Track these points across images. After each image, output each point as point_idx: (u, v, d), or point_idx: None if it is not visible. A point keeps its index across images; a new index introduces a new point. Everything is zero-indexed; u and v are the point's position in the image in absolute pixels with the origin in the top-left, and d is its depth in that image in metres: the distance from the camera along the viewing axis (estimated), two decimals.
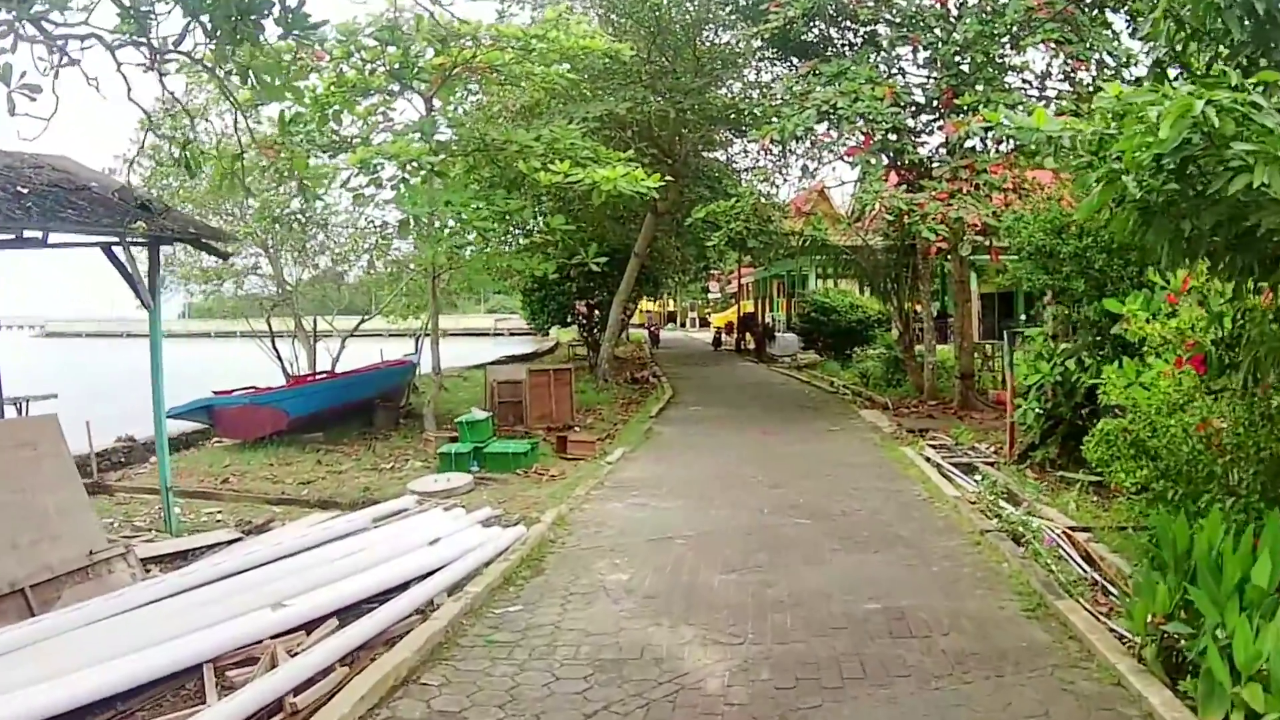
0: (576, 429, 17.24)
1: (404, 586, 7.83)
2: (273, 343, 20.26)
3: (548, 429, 16.84)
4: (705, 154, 28.86)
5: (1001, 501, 9.98)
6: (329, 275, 23.78)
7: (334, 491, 12.31)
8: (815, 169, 19.38)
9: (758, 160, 20.99)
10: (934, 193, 14.93)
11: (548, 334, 39.26)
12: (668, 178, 15.83)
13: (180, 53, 7.10)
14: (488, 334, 72.47)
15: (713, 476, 12.29)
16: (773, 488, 11.47)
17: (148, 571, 8.90)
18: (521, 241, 29.66)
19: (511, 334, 67.81)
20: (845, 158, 17.10)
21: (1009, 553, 8.16)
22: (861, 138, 15.92)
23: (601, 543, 8.92)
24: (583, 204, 25.92)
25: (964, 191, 15.19)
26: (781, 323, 40.62)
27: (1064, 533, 8.87)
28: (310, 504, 12.14)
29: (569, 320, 29.19)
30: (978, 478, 10.67)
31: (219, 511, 11.66)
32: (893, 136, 16.59)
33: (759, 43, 22.19)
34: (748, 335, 39.36)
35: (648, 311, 56.53)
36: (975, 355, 20.38)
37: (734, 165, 29.65)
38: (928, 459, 13.20)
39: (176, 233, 10.03)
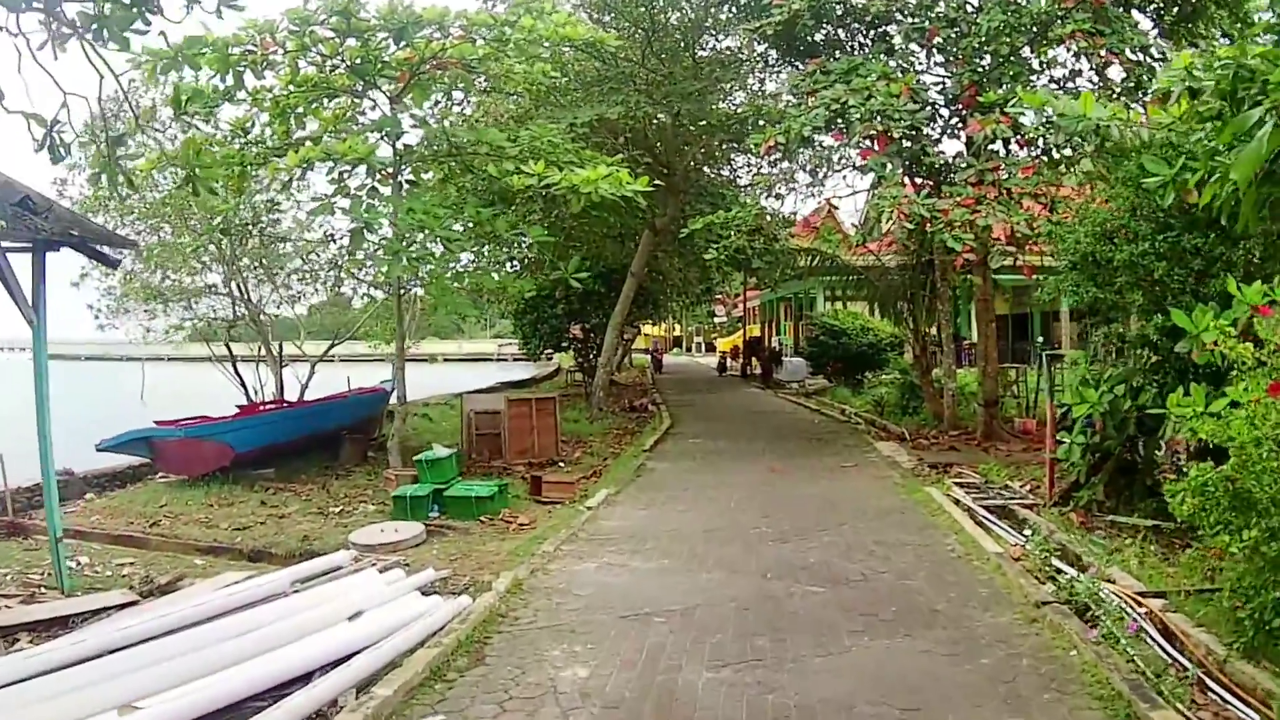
0: (561, 464, 15.55)
1: (306, 678, 6.16)
2: (234, 367, 18.59)
3: (528, 465, 15.16)
4: (707, 170, 27.37)
5: (1054, 560, 8.23)
6: (336, 300, 22.25)
7: (270, 540, 10.65)
8: (825, 175, 17.68)
9: (760, 168, 19.41)
10: (959, 198, 13.24)
11: (551, 358, 37.56)
12: (657, 182, 14.20)
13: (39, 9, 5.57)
14: (492, 359, 70.92)
15: (708, 526, 10.48)
16: (778, 542, 9.62)
17: (12, 643, 7.28)
18: (510, 262, 28.34)
19: (515, 359, 66.24)
20: (858, 163, 15.42)
21: (1077, 634, 6.39)
22: (875, 140, 14.24)
23: (562, 619, 7.10)
24: (576, 221, 24.49)
25: (991, 198, 13.51)
26: (789, 347, 39.16)
27: (1133, 599, 7.15)
28: (242, 554, 10.54)
29: (562, 344, 27.47)
30: (1027, 532, 8.86)
31: (133, 562, 10.00)
32: (908, 143, 15.00)
33: (762, 46, 20.79)
34: (754, 360, 38.10)
35: (653, 337, 55.38)
36: (998, 380, 18.65)
37: (737, 181, 28.19)
38: (957, 502, 11.45)
39: (56, 234, 8.32)
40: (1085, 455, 10.60)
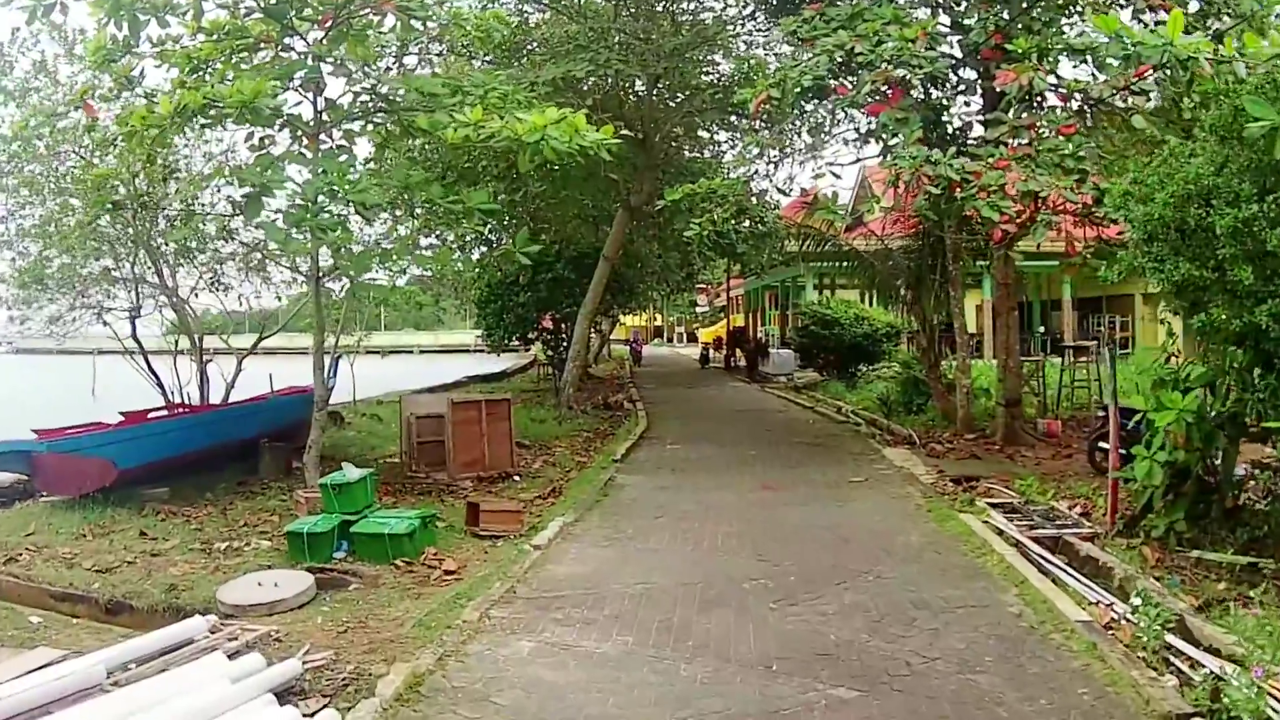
0: (516, 478, 13.19)
1: None
2: (147, 362, 16.11)
3: (477, 479, 12.81)
4: (687, 147, 25.20)
5: (1169, 636, 5.94)
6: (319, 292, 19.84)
7: (133, 588, 8.33)
8: (825, 134, 15.38)
9: (751, 127, 17.28)
10: (993, 159, 10.95)
11: (529, 350, 35.39)
12: (626, 132, 11.93)
13: None
14: (469, 350, 68.75)
15: (688, 577, 7.97)
16: (784, 603, 7.12)
17: None
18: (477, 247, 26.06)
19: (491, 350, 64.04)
20: (864, 124, 13.14)
21: None
22: (889, 91, 11.97)
23: None
24: (544, 201, 22.30)
25: (1028, 158, 11.23)
26: (775, 337, 37.00)
27: None
28: (99, 605, 8.20)
29: (529, 335, 25.08)
30: (1135, 600, 6.47)
31: None
32: (920, 96, 12.76)
33: (749, 7, 18.70)
34: (738, 352, 36.13)
35: (632, 328, 53.81)
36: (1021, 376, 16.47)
37: (720, 158, 26.01)
38: (1000, 532, 9.17)
39: None
40: (1164, 475, 8.50)
